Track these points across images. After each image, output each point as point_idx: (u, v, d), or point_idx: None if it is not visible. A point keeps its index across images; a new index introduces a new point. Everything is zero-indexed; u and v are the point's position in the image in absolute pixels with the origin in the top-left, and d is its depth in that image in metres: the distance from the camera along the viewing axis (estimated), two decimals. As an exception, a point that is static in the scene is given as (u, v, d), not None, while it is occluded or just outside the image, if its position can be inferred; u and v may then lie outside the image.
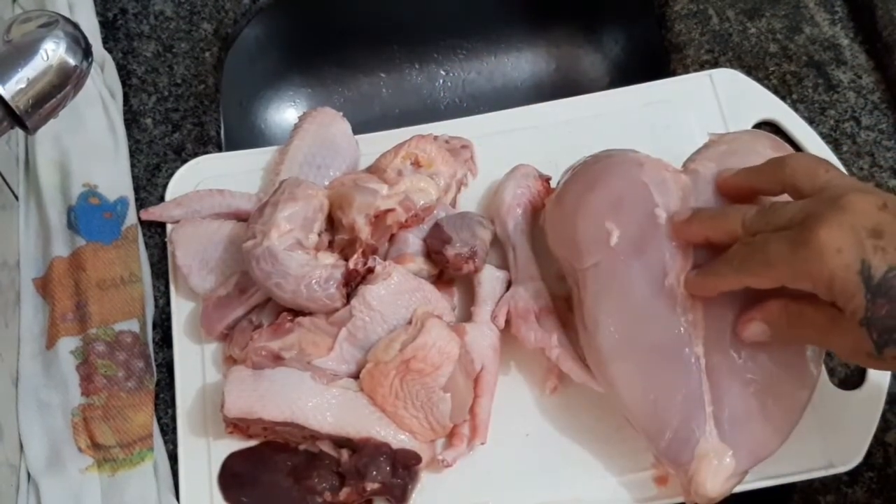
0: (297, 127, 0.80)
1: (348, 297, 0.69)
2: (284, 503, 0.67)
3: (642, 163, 0.68)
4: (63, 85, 0.56)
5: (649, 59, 0.92)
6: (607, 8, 1.01)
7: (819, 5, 0.86)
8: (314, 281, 0.67)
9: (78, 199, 0.77)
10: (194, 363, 0.73)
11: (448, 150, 0.77)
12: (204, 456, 0.70)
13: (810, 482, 0.69)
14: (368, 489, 0.65)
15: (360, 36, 1.01)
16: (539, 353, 0.69)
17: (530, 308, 0.70)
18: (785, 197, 0.60)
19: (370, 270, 0.69)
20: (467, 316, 0.72)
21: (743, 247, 0.57)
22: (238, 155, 0.82)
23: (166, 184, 0.80)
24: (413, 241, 0.73)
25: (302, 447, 0.69)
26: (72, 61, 0.55)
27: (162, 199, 0.80)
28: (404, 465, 0.66)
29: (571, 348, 0.68)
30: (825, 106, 0.82)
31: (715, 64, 0.84)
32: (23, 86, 0.54)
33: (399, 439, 0.67)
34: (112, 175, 0.79)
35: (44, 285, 0.75)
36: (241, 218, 0.76)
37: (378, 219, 0.70)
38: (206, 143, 0.83)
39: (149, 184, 0.81)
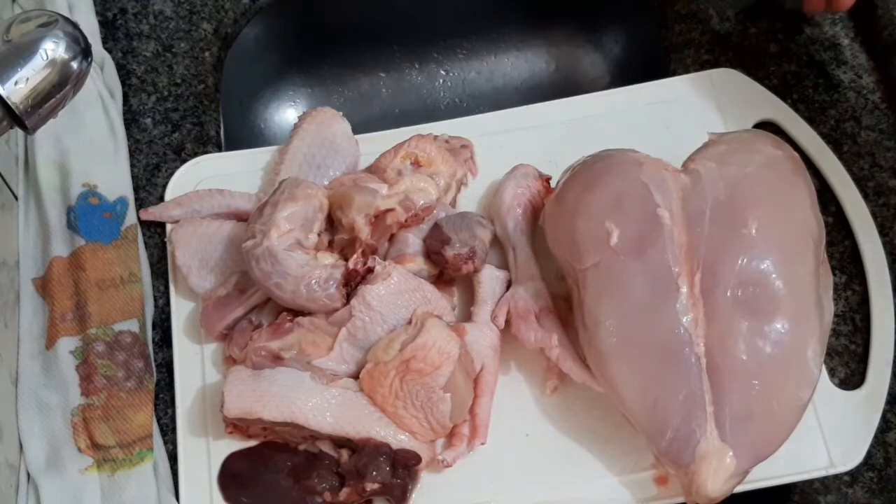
0: (296, 127, 0.80)
1: (348, 297, 0.69)
2: (284, 503, 0.67)
3: (642, 162, 0.68)
4: (63, 85, 0.55)
5: (649, 59, 0.92)
6: (607, 8, 1.01)
7: (819, 5, 0.86)
8: (314, 281, 0.67)
9: (78, 199, 0.77)
10: (194, 363, 0.73)
11: (448, 150, 0.77)
12: (204, 456, 0.70)
13: (810, 482, 0.69)
14: (368, 489, 0.65)
15: (360, 36, 1.01)
16: (539, 353, 0.69)
17: (530, 308, 0.70)
18: None
19: (370, 270, 0.69)
20: (467, 316, 0.72)
21: None
22: (238, 155, 0.82)
23: (166, 184, 0.80)
24: (413, 241, 0.73)
25: (302, 447, 0.68)
26: (71, 61, 0.55)
27: (161, 198, 0.80)
28: (404, 466, 0.66)
29: (571, 348, 0.68)
30: (825, 106, 0.82)
31: (715, 64, 0.84)
32: (22, 86, 0.54)
33: (399, 439, 0.67)
34: (112, 175, 0.79)
35: (43, 285, 0.75)
36: (241, 218, 0.76)
37: (378, 219, 0.70)
38: (206, 143, 0.83)
39: (148, 184, 0.81)
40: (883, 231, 0.76)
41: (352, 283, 0.69)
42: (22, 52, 0.54)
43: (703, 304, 0.63)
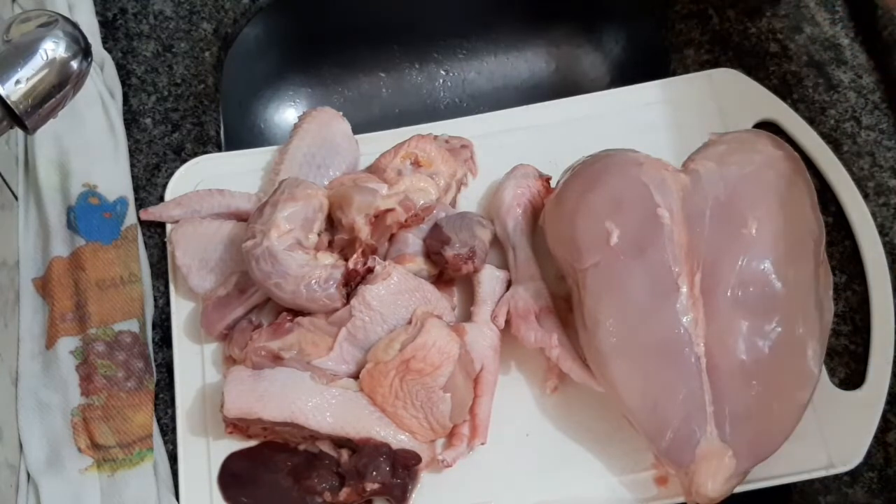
0: (296, 127, 0.80)
1: (348, 297, 0.69)
2: (284, 503, 0.67)
3: (641, 162, 0.68)
4: (63, 85, 0.55)
5: (649, 59, 0.92)
6: (607, 8, 1.01)
7: (819, 5, 0.86)
8: (314, 281, 0.67)
9: (78, 199, 0.77)
10: (194, 363, 0.73)
11: (448, 150, 0.77)
12: (204, 456, 0.70)
13: (810, 482, 0.69)
14: (368, 489, 0.65)
15: (360, 36, 1.01)
16: (539, 353, 0.69)
17: (530, 308, 0.70)
18: None
19: (370, 270, 0.69)
20: (467, 316, 0.72)
21: None
22: (238, 155, 0.82)
23: (166, 184, 0.80)
24: (413, 241, 0.73)
25: (302, 447, 0.68)
26: (71, 61, 0.55)
27: (161, 198, 0.80)
28: (404, 465, 0.66)
29: (571, 348, 0.68)
30: (825, 106, 0.82)
31: (715, 64, 0.84)
32: (22, 86, 0.54)
33: (399, 439, 0.67)
34: (112, 175, 0.79)
35: (43, 285, 0.75)
36: (241, 218, 0.76)
37: (378, 219, 0.70)
38: (206, 143, 0.83)
39: (148, 184, 0.81)
40: (883, 231, 0.76)
41: (352, 283, 0.69)
42: (22, 51, 0.54)
43: (703, 304, 0.63)
